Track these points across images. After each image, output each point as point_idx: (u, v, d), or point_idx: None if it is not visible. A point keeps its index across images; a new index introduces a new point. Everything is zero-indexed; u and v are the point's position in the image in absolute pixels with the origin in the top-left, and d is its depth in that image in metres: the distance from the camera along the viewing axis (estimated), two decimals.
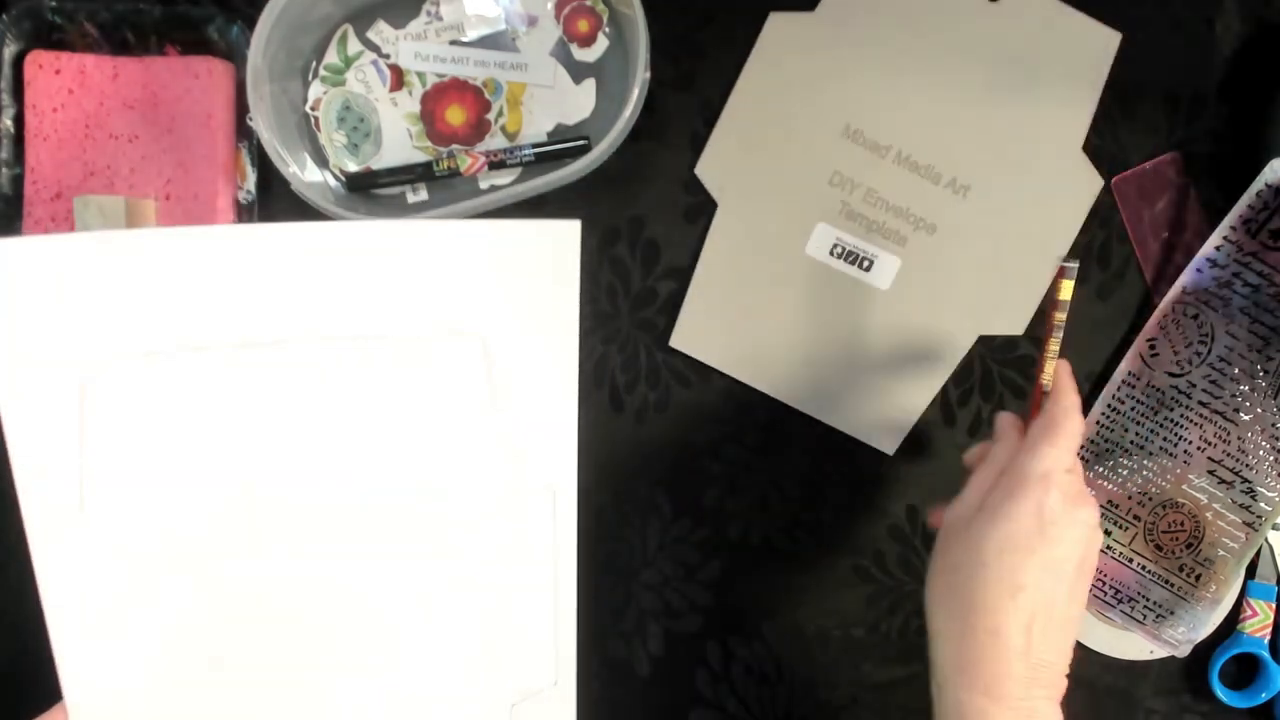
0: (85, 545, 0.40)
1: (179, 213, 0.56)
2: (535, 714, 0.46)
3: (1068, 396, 0.46)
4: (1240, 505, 0.56)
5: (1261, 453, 0.55)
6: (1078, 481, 0.44)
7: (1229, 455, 0.56)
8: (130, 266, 0.39)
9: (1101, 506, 0.57)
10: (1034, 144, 0.56)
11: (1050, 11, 0.56)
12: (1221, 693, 0.58)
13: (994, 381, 0.57)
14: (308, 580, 0.42)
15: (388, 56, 0.56)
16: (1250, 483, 0.56)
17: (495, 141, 0.57)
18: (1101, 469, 0.57)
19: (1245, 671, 0.59)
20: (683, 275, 0.57)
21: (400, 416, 0.42)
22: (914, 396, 0.57)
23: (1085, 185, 0.56)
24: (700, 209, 0.57)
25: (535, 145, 0.56)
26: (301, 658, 0.43)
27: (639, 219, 0.57)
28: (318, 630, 0.43)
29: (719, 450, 0.58)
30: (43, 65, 0.56)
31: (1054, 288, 0.49)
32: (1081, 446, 0.56)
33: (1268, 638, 0.57)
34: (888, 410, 0.57)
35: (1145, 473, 0.56)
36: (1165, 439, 0.56)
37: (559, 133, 0.57)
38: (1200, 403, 0.56)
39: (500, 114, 0.57)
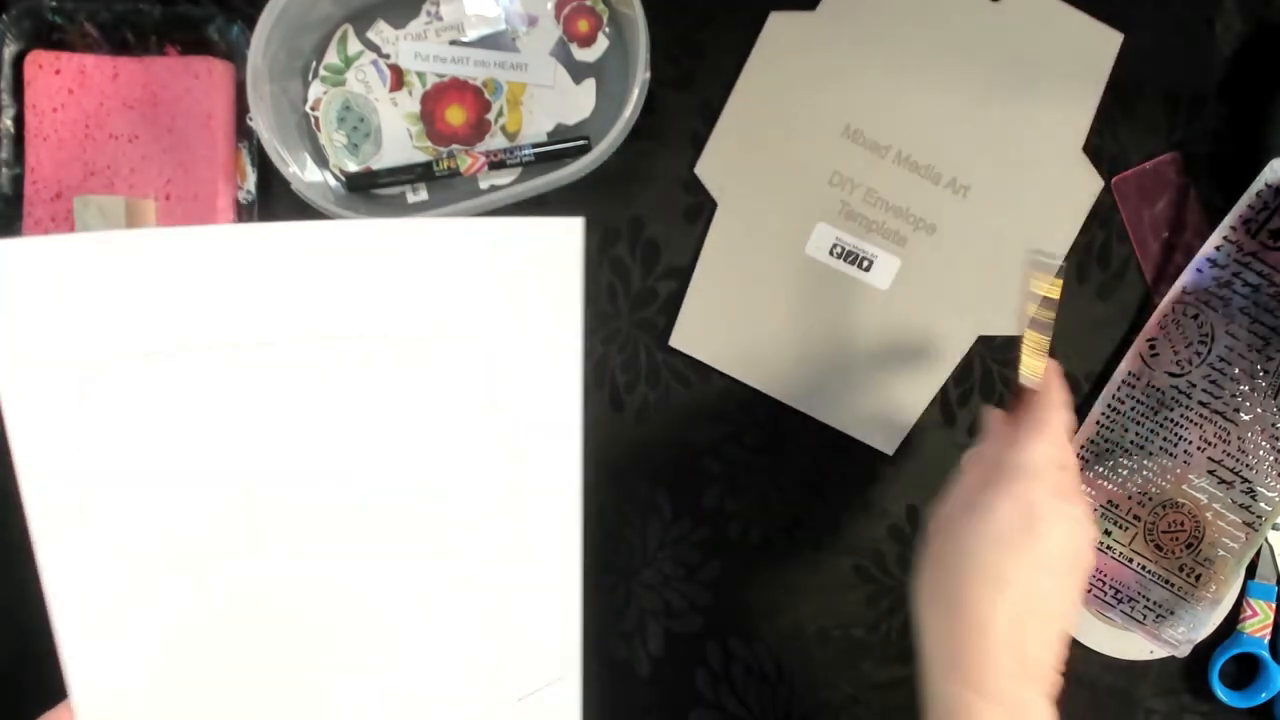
0: (87, 544, 0.40)
1: (179, 213, 0.56)
2: (541, 712, 0.46)
3: (1055, 392, 0.45)
4: (1240, 505, 0.56)
5: (1261, 453, 0.55)
6: (1068, 477, 0.44)
7: (1229, 455, 0.56)
8: (130, 267, 0.39)
9: (1101, 506, 0.57)
10: (1034, 144, 0.56)
11: (1050, 11, 0.56)
12: (1221, 693, 0.58)
13: (994, 381, 0.57)
14: (310, 580, 0.42)
15: (388, 56, 0.56)
16: (1250, 483, 0.56)
17: (495, 141, 0.57)
18: (1101, 469, 0.57)
19: (1245, 671, 0.59)
20: (683, 275, 0.57)
21: (401, 416, 0.42)
22: (914, 396, 0.57)
23: (1085, 185, 0.56)
24: (700, 209, 0.57)
25: (535, 145, 0.56)
26: (305, 657, 0.43)
27: (639, 219, 0.57)
28: (321, 630, 0.43)
29: (719, 450, 0.58)
30: (43, 65, 0.56)
31: (1039, 284, 0.48)
32: (1081, 446, 0.57)
33: (1268, 638, 0.57)
34: (887, 410, 0.57)
35: (1145, 473, 0.56)
36: (1165, 439, 0.56)
37: (559, 133, 0.57)
38: (1200, 403, 0.56)
39: (500, 114, 0.57)
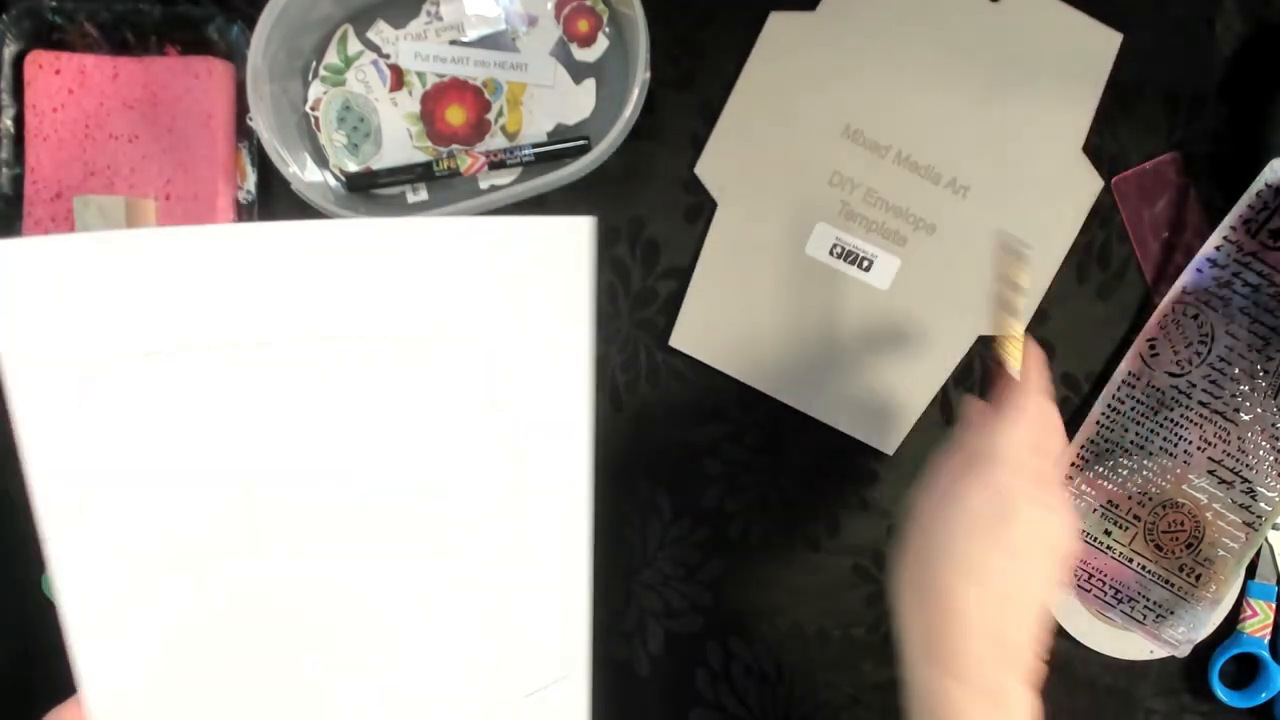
0: (93, 542, 0.40)
1: (179, 213, 0.56)
2: (547, 710, 0.45)
3: (1033, 379, 0.45)
4: (1240, 505, 0.56)
5: (1261, 453, 0.55)
6: (1044, 464, 0.43)
7: (1229, 455, 0.56)
8: (131, 266, 0.39)
9: (1101, 506, 0.57)
10: (1034, 144, 0.56)
11: (1050, 11, 0.56)
12: (1221, 693, 0.58)
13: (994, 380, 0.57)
14: (313, 579, 0.42)
15: (388, 56, 0.56)
16: (1250, 483, 0.56)
17: (495, 141, 0.57)
18: (1101, 469, 0.57)
19: (1245, 671, 0.59)
20: (683, 275, 0.57)
21: (405, 416, 0.42)
22: (914, 396, 0.57)
23: (1085, 185, 0.56)
24: (700, 209, 0.57)
25: (535, 145, 0.56)
26: (309, 655, 0.43)
27: (639, 219, 0.57)
28: (324, 628, 0.43)
29: (719, 450, 0.58)
30: (43, 65, 0.56)
31: (1010, 269, 0.48)
32: (1081, 446, 0.56)
33: (1268, 638, 0.57)
34: (887, 410, 0.57)
35: (1145, 473, 0.56)
36: (1165, 439, 0.56)
37: (559, 133, 0.57)
38: (1200, 403, 0.56)
39: (500, 114, 0.57)
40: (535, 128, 0.57)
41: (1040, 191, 0.56)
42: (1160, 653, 0.58)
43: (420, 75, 0.56)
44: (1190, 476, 0.56)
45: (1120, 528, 0.57)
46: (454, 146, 0.57)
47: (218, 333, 0.40)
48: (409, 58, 0.56)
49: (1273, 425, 0.55)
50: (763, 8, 0.56)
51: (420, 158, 0.57)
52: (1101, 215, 0.57)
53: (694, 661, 0.59)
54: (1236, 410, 0.55)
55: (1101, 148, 0.56)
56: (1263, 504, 0.56)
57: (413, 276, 0.41)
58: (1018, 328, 0.48)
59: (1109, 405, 0.56)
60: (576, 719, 0.46)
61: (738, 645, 0.59)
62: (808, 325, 0.57)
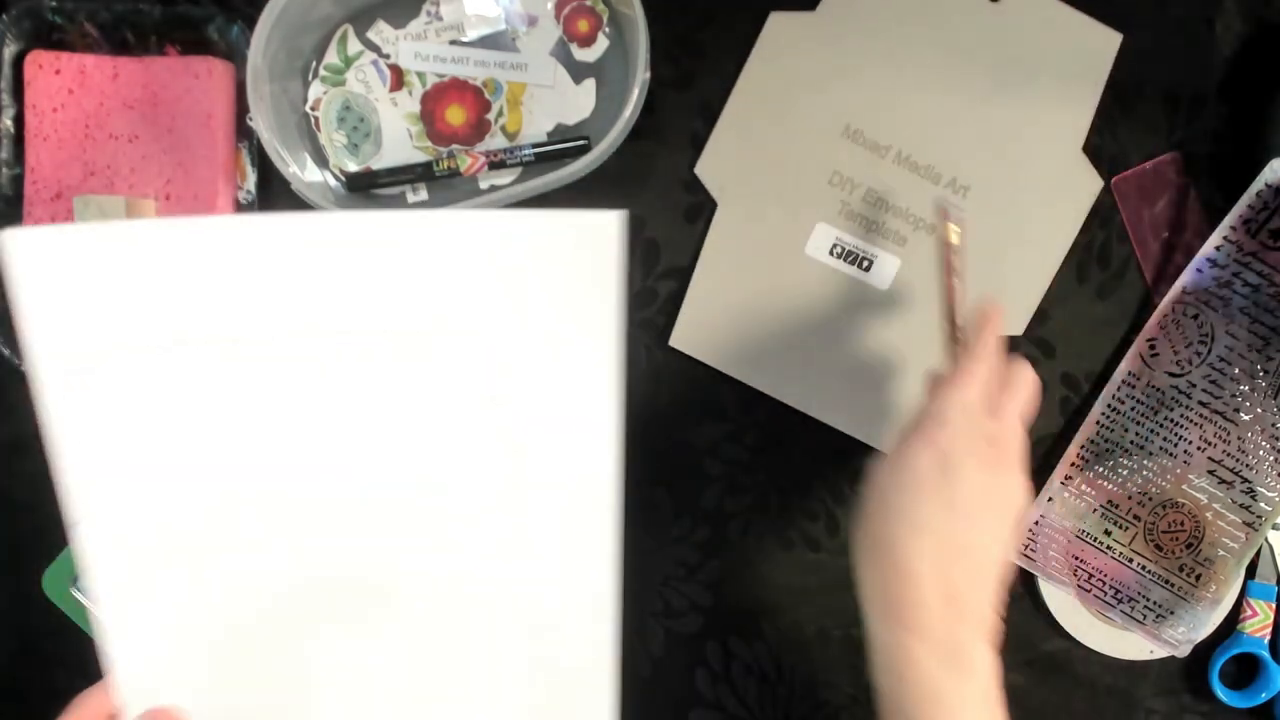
0: (120, 526, 0.40)
1: (179, 213, 0.56)
2: (572, 710, 0.45)
3: (979, 340, 0.46)
4: (1240, 505, 0.56)
5: (1261, 453, 0.55)
6: (994, 424, 0.44)
7: (1229, 455, 0.56)
8: (153, 256, 0.39)
9: (1101, 506, 0.57)
10: (1034, 144, 0.56)
11: (1050, 11, 0.56)
12: (1221, 693, 0.58)
13: None
14: (329, 567, 0.42)
15: (388, 56, 0.56)
16: (1250, 483, 0.56)
17: (495, 141, 0.57)
18: (1101, 469, 0.57)
19: (1245, 671, 0.59)
20: (683, 275, 0.57)
21: (429, 411, 0.42)
22: (914, 396, 0.57)
23: (1085, 185, 0.56)
24: (700, 209, 0.57)
25: (535, 145, 0.56)
26: (331, 649, 0.43)
27: (639, 219, 0.57)
28: (338, 615, 0.43)
29: (719, 450, 0.58)
30: (43, 65, 0.56)
31: (944, 229, 0.50)
32: (1081, 446, 0.56)
33: (1268, 638, 0.57)
34: (888, 410, 0.57)
35: (1145, 473, 0.56)
36: (1165, 439, 0.56)
37: (559, 133, 0.57)
38: (1200, 403, 0.56)
39: (500, 114, 0.57)
40: (535, 128, 0.57)
41: (1040, 191, 0.56)
42: (1160, 653, 0.58)
43: (420, 75, 0.56)
44: (1190, 476, 0.56)
45: (1120, 528, 0.57)
46: (454, 146, 0.57)
47: (248, 322, 0.40)
48: (409, 58, 0.56)
49: (1273, 425, 0.55)
50: (763, 8, 0.56)
51: (420, 158, 0.57)
52: (1101, 215, 0.57)
53: (694, 661, 0.59)
54: (1236, 410, 0.55)
55: (1101, 148, 0.56)
56: (1263, 504, 0.56)
57: (438, 269, 0.40)
58: (960, 288, 0.49)
59: (1109, 405, 0.56)
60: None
61: (738, 645, 0.59)
62: (808, 325, 0.57)
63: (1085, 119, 0.56)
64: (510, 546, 0.43)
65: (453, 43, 0.56)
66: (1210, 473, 0.56)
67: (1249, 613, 0.57)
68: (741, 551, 0.59)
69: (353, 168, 0.57)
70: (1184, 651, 0.57)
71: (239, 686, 0.43)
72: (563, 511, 0.43)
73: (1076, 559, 0.57)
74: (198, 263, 0.39)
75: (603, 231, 0.40)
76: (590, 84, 0.56)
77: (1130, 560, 0.57)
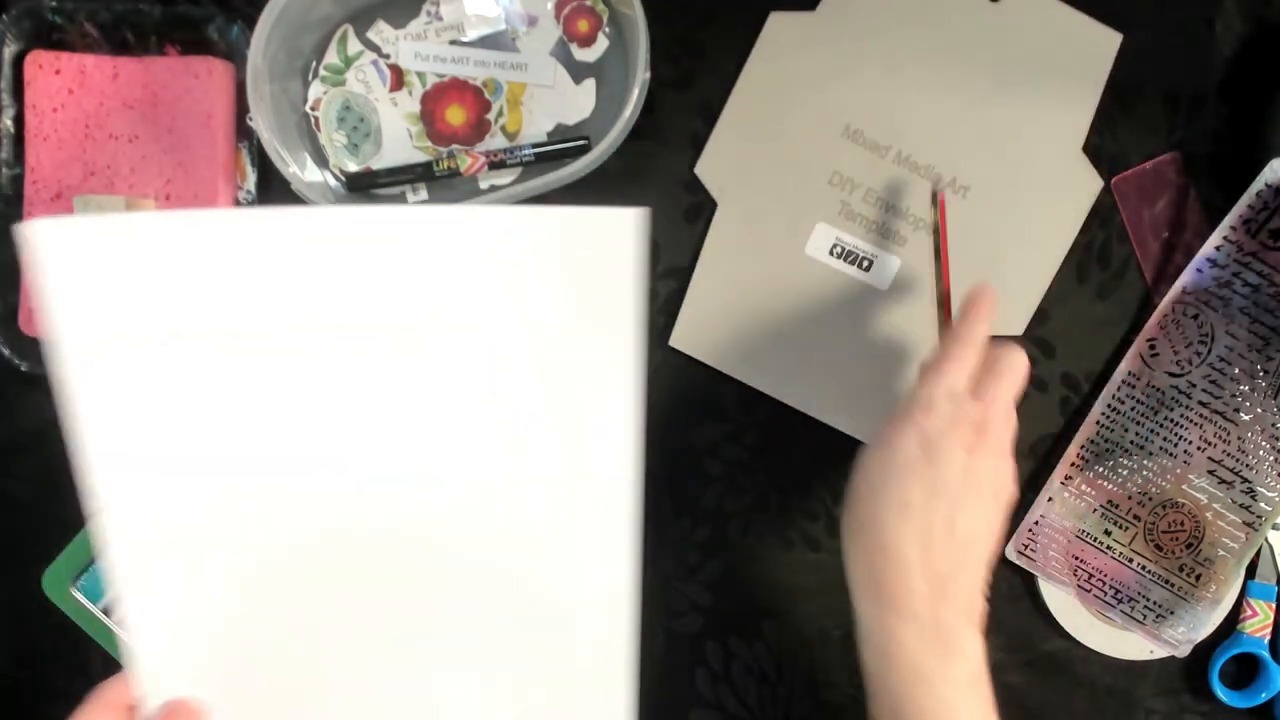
0: (135, 518, 0.40)
1: None
2: (589, 708, 0.45)
3: (965, 326, 0.47)
4: (1240, 505, 0.56)
5: (1261, 453, 0.55)
6: (975, 408, 0.44)
7: (1229, 455, 0.56)
8: (165, 247, 0.39)
9: (1101, 506, 0.57)
10: (1034, 144, 0.56)
11: (1050, 11, 0.56)
12: (1221, 693, 0.58)
13: None
14: (356, 568, 0.43)
15: (388, 56, 0.56)
16: (1250, 483, 0.56)
17: (495, 141, 0.57)
18: (1101, 469, 0.57)
19: (1245, 671, 0.59)
20: (683, 275, 0.57)
21: (444, 406, 0.42)
22: None
23: (1085, 185, 0.56)
24: (700, 209, 0.57)
25: (535, 145, 0.56)
26: (350, 643, 0.43)
27: None
28: (367, 615, 0.43)
29: (719, 450, 0.58)
30: (43, 65, 0.56)
31: (932, 214, 0.52)
32: (1081, 446, 0.56)
33: (1268, 638, 0.57)
34: (888, 410, 0.57)
35: (1145, 473, 0.56)
36: (1165, 439, 0.56)
37: (559, 133, 0.57)
38: (1200, 403, 0.56)
39: (500, 114, 0.57)
40: (535, 128, 0.57)
41: (1040, 191, 0.56)
42: (1160, 653, 0.58)
43: (420, 75, 0.56)
44: (1190, 476, 0.56)
45: (1120, 528, 0.57)
46: (454, 146, 0.57)
47: (260, 317, 0.40)
48: (409, 58, 0.56)
49: (1273, 425, 0.55)
50: (763, 8, 0.56)
51: (420, 158, 0.57)
52: (1101, 215, 0.57)
53: (694, 661, 0.59)
54: (1236, 410, 0.55)
55: (1101, 148, 0.56)
56: (1263, 504, 0.56)
57: (455, 264, 0.40)
58: (946, 274, 0.51)
59: (1109, 405, 0.56)
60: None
61: (738, 645, 0.59)
62: (808, 325, 0.57)
63: (1085, 119, 0.56)
64: (527, 542, 0.43)
65: (453, 43, 0.56)
66: (1210, 473, 0.56)
67: (1249, 613, 0.57)
68: (741, 551, 0.59)
69: (353, 168, 0.57)
70: (1184, 651, 0.57)
71: (256, 677, 0.43)
72: (582, 508, 0.43)
73: (1076, 559, 0.57)
74: (224, 253, 0.39)
75: (623, 228, 0.40)
76: (590, 84, 0.56)
77: (1130, 560, 0.57)
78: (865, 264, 0.57)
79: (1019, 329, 0.57)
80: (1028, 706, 0.58)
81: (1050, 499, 0.57)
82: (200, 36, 0.56)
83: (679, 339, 0.57)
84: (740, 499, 0.58)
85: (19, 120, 0.56)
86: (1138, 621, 0.57)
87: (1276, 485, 0.55)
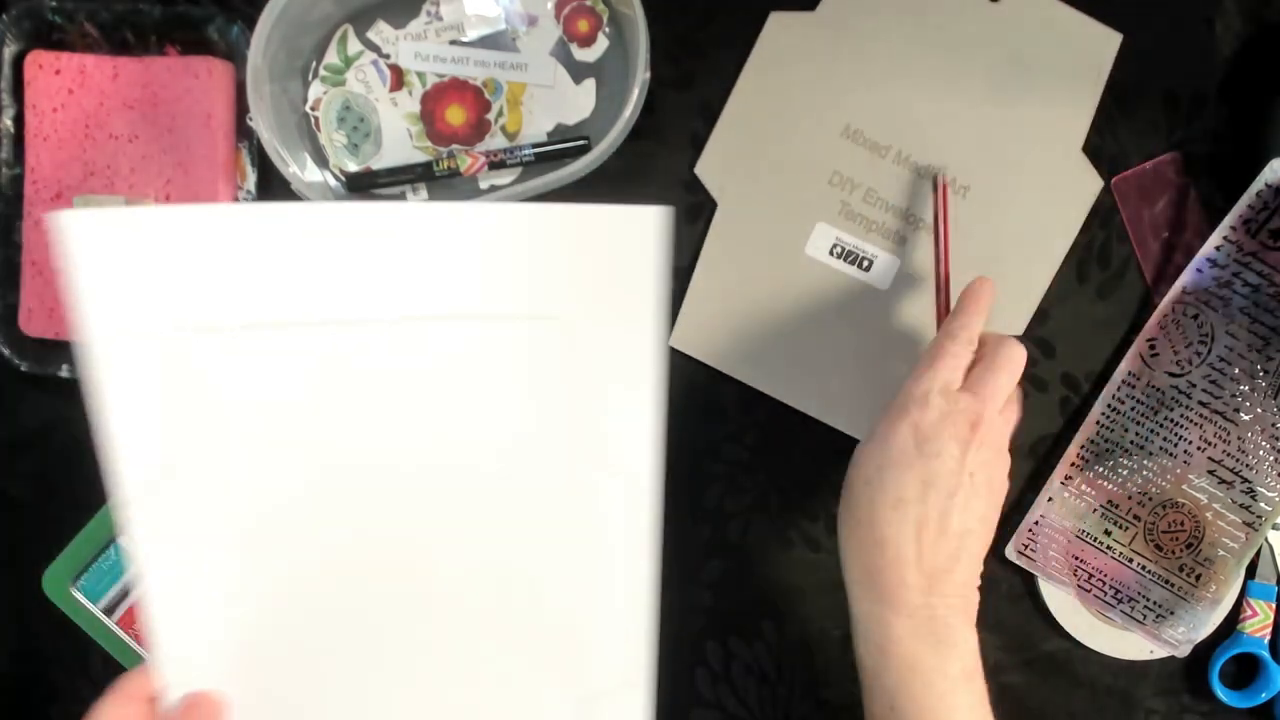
0: (162, 510, 0.40)
1: None
2: (607, 713, 0.45)
3: (960, 321, 0.47)
4: (1240, 505, 0.56)
5: (1261, 453, 0.55)
6: (969, 403, 0.44)
7: (1229, 455, 0.56)
8: (198, 240, 0.39)
9: (1101, 506, 0.57)
10: (1034, 144, 0.56)
11: (1050, 11, 0.56)
12: (1221, 693, 0.58)
13: None
14: (377, 559, 0.43)
15: (388, 56, 0.56)
16: (1250, 483, 0.56)
17: (495, 141, 0.57)
18: (1101, 469, 0.57)
19: (1245, 671, 0.59)
20: (683, 275, 0.57)
21: (472, 401, 0.42)
22: None
23: (1085, 185, 0.56)
24: (700, 209, 0.57)
25: (535, 145, 0.56)
26: (371, 639, 0.43)
27: None
28: (386, 610, 0.43)
29: (719, 450, 0.58)
30: (43, 65, 0.56)
31: (938, 201, 0.53)
32: (1081, 446, 0.56)
33: (1268, 638, 0.57)
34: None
35: (1145, 473, 0.56)
36: (1165, 439, 0.56)
37: (559, 133, 0.57)
38: (1200, 403, 0.56)
39: (500, 114, 0.57)
40: (535, 128, 0.57)
41: (1040, 191, 0.56)
42: (1160, 653, 0.58)
43: (420, 75, 0.56)
44: (1190, 476, 0.56)
45: (1120, 528, 0.57)
46: (454, 146, 0.57)
47: (292, 309, 0.40)
48: (409, 58, 0.56)
49: (1273, 425, 0.55)
50: (763, 8, 0.56)
51: (420, 158, 0.57)
52: (1101, 215, 0.57)
53: (694, 661, 0.59)
54: (1236, 410, 0.55)
55: (1101, 148, 0.56)
56: (1263, 504, 0.56)
57: (481, 260, 0.41)
58: (947, 261, 0.52)
59: (1109, 405, 0.56)
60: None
61: (738, 645, 0.59)
62: (808, 325, 0.57)
63: (1085, 119, 0.56)
64: (551, 534, 0.44)
65: (453, 43, 0.56)
66: (1210, 473, 0.56)
67: (1249, 613, 0.57)
68: (741, 551, 0.59)
69: (353, 168, 0.57)
70: (1184, 651, 0.57)
71: (277, 674, 0.43)
72: (603, 501, 0.43)
73: (1076, 559, 0.57)
74: (255, 247, 0.39)
75: (647, 225, 0.41)
76: (590, 84, 0.56)
77: (1130, 560, 0.57)
78: (865, 264, 0.57)
79: (1019, 329, 0.57)
80: (1028, 707, 0.58)
81: (1050, 499, 0.57)
82: (200, 36, 0.56)
83: (679, 339, 0.57)
84: (740, 499, 0.58)
85: (19, 120, 0.56)
86: (1138, 621, 0.57)
87: (1276, 485, 0.55)
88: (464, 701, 0.44)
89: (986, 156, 0.56)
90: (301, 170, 0.55)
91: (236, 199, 0.57)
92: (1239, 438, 0.55)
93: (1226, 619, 0.58)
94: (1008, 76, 0.56)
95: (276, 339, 0.40)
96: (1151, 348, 0.56)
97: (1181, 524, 0.56)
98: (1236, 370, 0.55)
